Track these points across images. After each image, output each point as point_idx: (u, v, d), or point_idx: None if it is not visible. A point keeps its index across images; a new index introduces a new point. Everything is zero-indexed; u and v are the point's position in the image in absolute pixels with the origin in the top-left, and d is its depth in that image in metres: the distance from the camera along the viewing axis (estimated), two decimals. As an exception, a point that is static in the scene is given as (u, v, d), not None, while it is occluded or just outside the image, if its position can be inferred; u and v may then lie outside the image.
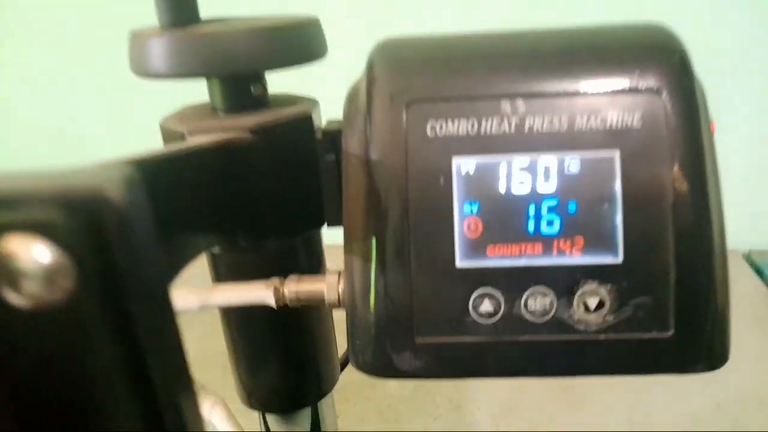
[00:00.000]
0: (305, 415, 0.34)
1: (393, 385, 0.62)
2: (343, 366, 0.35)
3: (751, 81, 0.79)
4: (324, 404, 0.35)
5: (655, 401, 0.55)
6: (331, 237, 0.30)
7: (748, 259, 0.81)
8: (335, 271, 0.26)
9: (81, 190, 0.10)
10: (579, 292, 0.22)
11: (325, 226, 0.29)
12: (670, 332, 0.22)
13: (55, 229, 0.10)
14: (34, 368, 0.11)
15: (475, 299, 0.23)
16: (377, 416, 0.57)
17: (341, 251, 0.24)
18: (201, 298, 0.27)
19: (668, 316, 0.22)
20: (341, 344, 0.32)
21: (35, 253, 0.10)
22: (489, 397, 0.59)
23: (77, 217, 0.10)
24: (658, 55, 0.22)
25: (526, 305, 0.23)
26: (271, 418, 0.34)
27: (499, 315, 0.23)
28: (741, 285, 0.74)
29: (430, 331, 0.23)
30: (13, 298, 0.10)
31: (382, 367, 0.24)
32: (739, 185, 0.82)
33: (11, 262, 0.10)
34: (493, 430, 0.55)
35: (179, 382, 0.13)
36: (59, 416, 0.11)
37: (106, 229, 0.10)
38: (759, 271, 0.78)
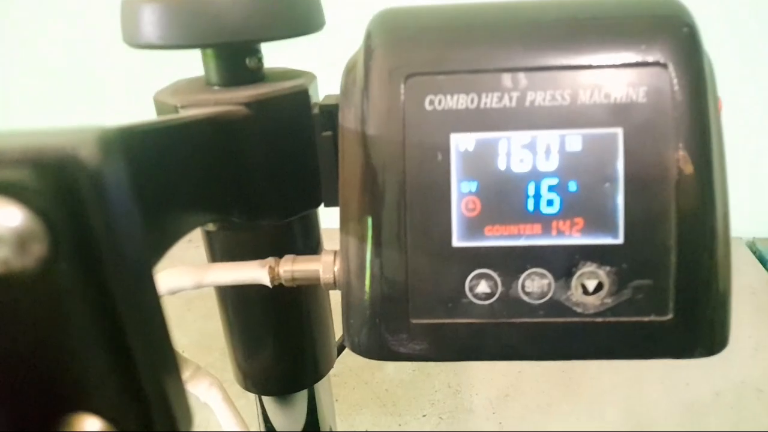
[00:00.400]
0: (302, 398, 0.34)
1: (391, 369, 0.62)
2: (340, 350, 0.35)
3: (755, 70, 0.78)
4: (320, 387, 0.35)
5: (653, 389, 0.55)
6: (331, 221, 0.29)
7: (752, 247, 0.81)
8: (331, 251, 0.26)
9: (52, 149, 0.10)
10: (577, 274, 0.22)
11: (323, 206, 0.29)
12: (670, 316, 0.22)
13: (24, 191, 0.09)
14: (7, 337, 0.10)
15: (471, 280, 0.22)
16: (375, 400, 0.57)
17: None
18: (195, 277, 0.26)
19: (668, 300, 0.22)
20: (339, 328, 0.31)
21: (4, 216, 0.09)
22: (486, 382, 0.59)
23: (48, 179, 0.09)
24: (666, 27, 0.22)
25: (523, 287, 0.22)
26: (267, 401, 0.34)
27: (496, 296, 0.22)
28: (743, 273, 0.73)
29: (426, 313, 0.23)
30: None
31: (377, 348, 0.23)
32: (743, 173, 0.82)
33: None
34: (490, 415, 0.55)
35: (161, 356, 0.12)
36: (34, 388, 0.11)
37: (80, 191, 0.10)
38: (762, 260, 0.78)
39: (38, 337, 0.10)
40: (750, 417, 0.50)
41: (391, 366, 0.62)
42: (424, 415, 0.55)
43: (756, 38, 0.77)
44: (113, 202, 0.10)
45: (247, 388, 0.32)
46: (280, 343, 0.30)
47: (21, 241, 0.09)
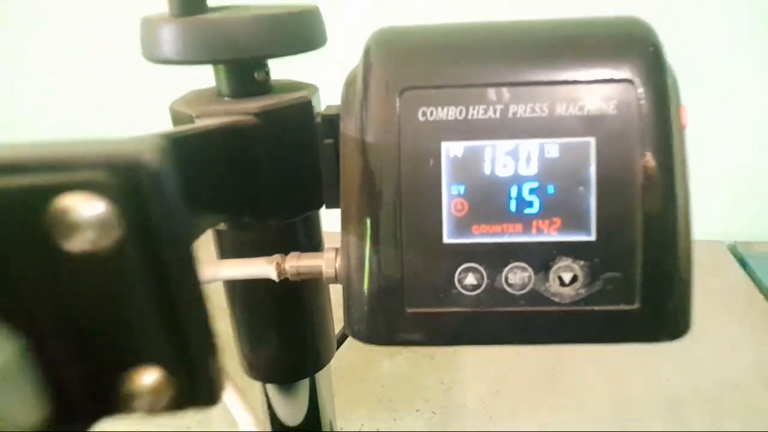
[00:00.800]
0: (304, 387, 0.36)
1: (386, 367, 0.64)
2: (340, 342, 0.37)
3: (735, 82, 0.81)
4: (321, 378, 0.37)
5: (635, 385, 0.58)
6: (330, 225, 0.32)
7: (733, 250, 0.84)
8: (333, 248, 0.28)
9: (123, 155, 0.12)
10: (555, 268, 0.24)
11: (324, 208, 0.31)
12: (637, 305, 0.24)
13: (105, 187, 0.12)
14: (88, 303, 0.13)
15: (460, 273, 0.25)
16: (371, 396, 0.60)
17: (338, 238, 0.26)
18: (211, 272, 0.28)
19: (635, 291, 0.24)
20: (338, 321, 0.34)
21: (91, 207, 0.12)
22: (477, 379, 0.61)
23: (122, 178, 0.12)
24: (633, 47, 0.24)
25: (506, 279, 0.25)
26: (271, 391, 0.36)
27: (482, 288, 0.25)
28: (724, 276, 0.76)
29: (420, 303, 0.25)
30: (72, 246, 0.12)
31: (375, 335, 0.26)
32: (724, 179, 0.85)
33: (69, 214, 0.12)
34: (480, 410, 0.57)
35: (202, 322, 0.15)
36: (107, 344, 0.13)
37: (144, 188, 0.12)
38: (742, 263, 0.80)
39: (112, 304, 0.13)
40: (727, 410, 0.53)
41: (386, 364, 0.65)
42: (417, 411, 0.57)
43: (740, 46, 0.80)
44: (168, 196, 0.13)
45: (253, 377, 0.34)
46: (284, 334, 0.33)
47: (103, 226, 0.12)
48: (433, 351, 0.65)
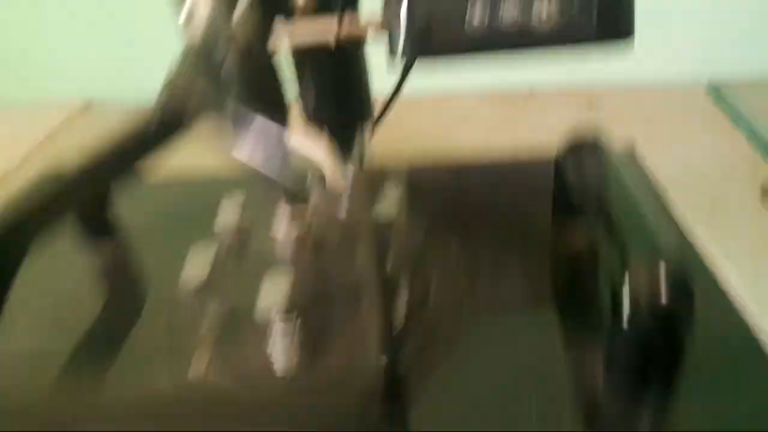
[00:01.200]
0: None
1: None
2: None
3: None
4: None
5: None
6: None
7: (709, 90, 0.93)
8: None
9: None
10: (536, 9, 0.35)
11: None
12: (594, 29, 0.35)
13: None
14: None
15: (468, 16, 0.35)
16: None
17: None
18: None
19: (593, 22, 0.35)
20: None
21: None
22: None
23: None
24: None
25: (502, 19, 0.35)
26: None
27: (485, 25, 0.35)
28: (699, 111, 0.86)
29: (442, 39, 0.36)
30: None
31: (411, 54, 0.36)
32: (699, 17, 0.91)
33: None
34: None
35: None
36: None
37: None
38: (720, 101, 0.89)
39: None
40: (689, 189, 0.65)
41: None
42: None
43: None
44: None
45: (314, 124, 0.45)
46: (339, 88, 0.44)
47: None
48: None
